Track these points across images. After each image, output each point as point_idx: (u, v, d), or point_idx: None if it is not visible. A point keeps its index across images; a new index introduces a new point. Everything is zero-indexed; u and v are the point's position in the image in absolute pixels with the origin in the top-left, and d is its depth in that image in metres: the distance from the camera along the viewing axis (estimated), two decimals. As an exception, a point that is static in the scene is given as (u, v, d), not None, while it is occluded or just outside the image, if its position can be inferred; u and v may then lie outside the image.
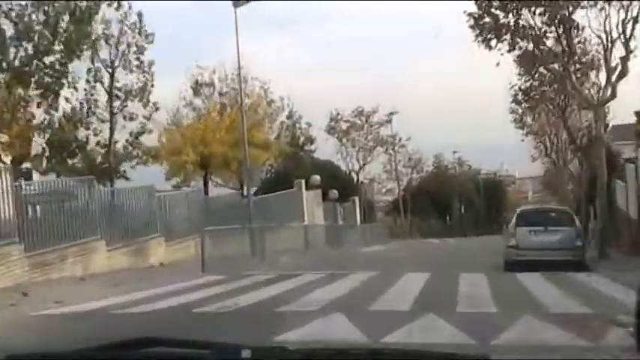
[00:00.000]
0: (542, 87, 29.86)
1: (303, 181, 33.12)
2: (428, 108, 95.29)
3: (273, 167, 41.45)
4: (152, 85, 24.58)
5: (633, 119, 34.35)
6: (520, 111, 41.85)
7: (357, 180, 43.38)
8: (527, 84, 29.73)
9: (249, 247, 24.02)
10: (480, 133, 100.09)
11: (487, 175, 79.91)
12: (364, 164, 43.54)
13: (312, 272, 17.57)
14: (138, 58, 23.81)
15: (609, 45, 20.48)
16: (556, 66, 22.36)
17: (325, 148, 42.21)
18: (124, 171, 28.16)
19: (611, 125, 41.17)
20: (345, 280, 14.95)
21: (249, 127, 27.91)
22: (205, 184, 28.97)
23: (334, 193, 37.69)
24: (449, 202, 68.40)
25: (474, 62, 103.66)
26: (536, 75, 29.31)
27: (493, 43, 20.84)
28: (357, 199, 40.94)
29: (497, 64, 21.97)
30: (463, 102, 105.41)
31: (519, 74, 30.02)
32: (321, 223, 34.40)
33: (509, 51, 21.53)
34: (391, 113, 43.38)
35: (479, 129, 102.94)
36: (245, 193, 37.99)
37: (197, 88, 36.55)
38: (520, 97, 30.01)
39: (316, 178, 35.43)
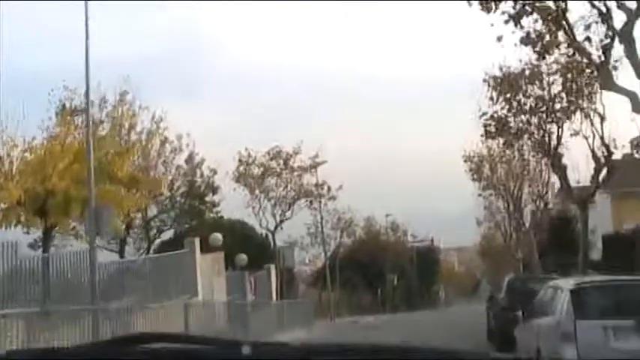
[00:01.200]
0: (521, 114, 22.25)
1: (197, 240, 23.91)
2: (357, 163, 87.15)
3: (166, 224, 32.09)
4: None
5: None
6: (476, 159, 34.56)
7: (274, 243, 34.07)
8: (504, 111, 22.06)
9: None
10: (412, 197, 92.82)
11: (421, 243, 72.25)
12: (282, 221, 34.15)
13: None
14: None
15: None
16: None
17: (233, 201, 33.13)
18: None
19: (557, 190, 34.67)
20: None
21: (112, 155, 18.81)
22: (46, 237, 19.48)
23: (242, 258, 28.56)
24: (380, 273, 60.17)
25: (411, 123, 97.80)
26: (517, 99, 21.78)
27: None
28: (273, 267, 31.86)
29: (500, 40, 13.92)
30: (396, 162, 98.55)
31: (491, 98, 22.39)
32: (222, 298, 25.05)
33: (514, 19, 13.49)
34: (317, 162, 34.41)
35: (412, 192, 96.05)
36: (127, 254, 28.82)
37: (64, 114, 27.40)
38: (492, 128, 22.15)
39: (217, 237, 26.30)
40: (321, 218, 38.11)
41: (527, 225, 33.43)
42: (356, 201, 50.33)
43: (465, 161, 34.06)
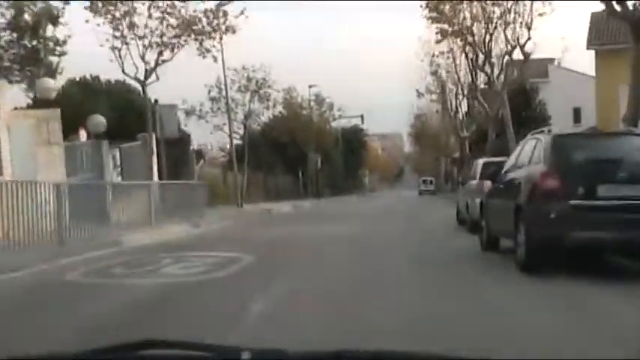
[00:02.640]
0: None
1: (1, 84, 14.60)
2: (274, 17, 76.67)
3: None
4: None
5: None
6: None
7: (144, 92, 23.77)
8: None
9: None
10: (338, 72, 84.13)
11: (349, 120, 64.37)
12: (157, 65, 23.52)
13: None
14: None
15: None
16: None
17: (88, 39, 23.12)
18: None
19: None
20: None
21: None
22: None
23: (98, 122, 19.44)
24: (302, 154, 52.16)
25: None
26: None
27: None
28: (154, 137, 22.85)
29: None
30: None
31: None
32: (57, 178, 16.13)
33: None
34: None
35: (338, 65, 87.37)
36: None
37: None
38: None
39: (46, 83, 16.99)
40: (223, 64, 28.23)
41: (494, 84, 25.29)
42: (274, 71, 41.20)
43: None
